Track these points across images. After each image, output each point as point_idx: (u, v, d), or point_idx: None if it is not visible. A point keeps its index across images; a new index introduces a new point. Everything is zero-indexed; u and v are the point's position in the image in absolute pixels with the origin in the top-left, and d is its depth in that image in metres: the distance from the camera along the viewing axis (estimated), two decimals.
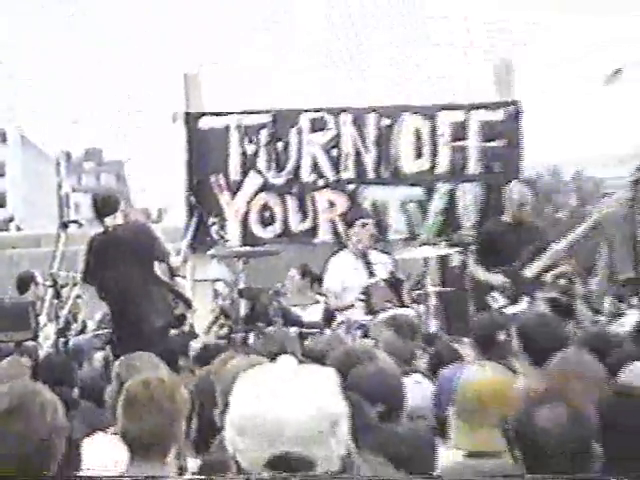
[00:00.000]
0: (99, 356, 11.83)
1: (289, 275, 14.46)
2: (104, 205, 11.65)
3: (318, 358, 7.06)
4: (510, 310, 11.43)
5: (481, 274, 11.99)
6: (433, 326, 12.36)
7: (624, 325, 10.50)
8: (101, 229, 11.56)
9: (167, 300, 11.61)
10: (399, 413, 5.41)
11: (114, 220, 11.51)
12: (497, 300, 11.68)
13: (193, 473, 4.44)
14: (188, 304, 12.33)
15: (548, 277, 12.04)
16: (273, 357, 4.05)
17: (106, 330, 12.59)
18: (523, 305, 11.55)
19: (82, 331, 14.04)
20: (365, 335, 10.48)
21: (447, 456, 5.24)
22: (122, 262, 11.15)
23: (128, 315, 11.04)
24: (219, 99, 15.09)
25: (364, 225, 12.89)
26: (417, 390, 5.95)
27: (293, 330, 12.91)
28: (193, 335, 11.83)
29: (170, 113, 14.54)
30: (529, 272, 11.73)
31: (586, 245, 12.85)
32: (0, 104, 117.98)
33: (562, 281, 12.45)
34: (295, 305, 13.74)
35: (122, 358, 7.25)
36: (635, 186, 11.51)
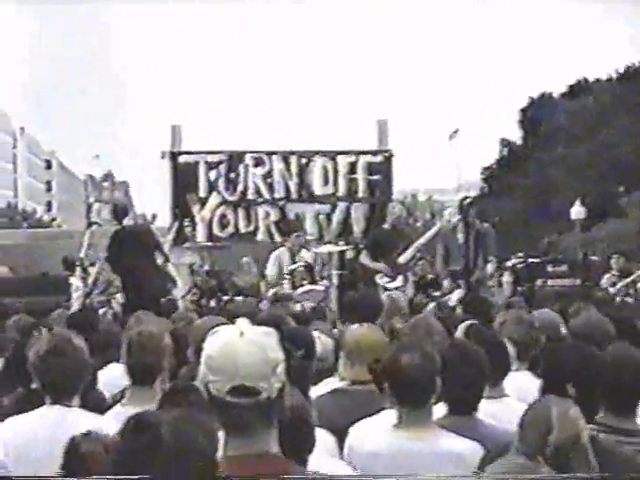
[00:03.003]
0: (110, 312, 11.70)
1: (244, 260, 14.50)
2: (120, 212, 11.60)
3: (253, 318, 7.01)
4: (390, 285, 11.51)
5: (370, 263, 11.99)
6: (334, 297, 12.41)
7: (452, 299, 10.60)
8: (119, 227, 11.44)
9: (160, 277, 11.49)
10: (312, 355, 5.41)
11: (127, 221, 11.43)
12: (382, 279, 11.71)
13: (165, 392, 4.36)
14: (173, 281, 12.22)
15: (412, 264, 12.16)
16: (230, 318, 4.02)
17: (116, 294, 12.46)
18: (399, 282, 11.64)
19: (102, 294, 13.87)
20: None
21: (336, 383, 5.26)
22: (132, 249, 11.04)
23: (135, 285, 10.93)
24: (193, 142, 15.00)
25: (298, 236, 12.88)
26: (318, 342, 5.91)
27: (240, 298, 12.91)
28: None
29: (160, 152, 14.43)
30: (402, 260, 11.78)
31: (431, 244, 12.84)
32: (47, 146, 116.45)
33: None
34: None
35: (135, 315, 7.16)
36: (461, 210, 11.67)
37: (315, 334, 6.09)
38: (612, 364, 4.20)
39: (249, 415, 2.78)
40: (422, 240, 12.13)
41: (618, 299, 14.04)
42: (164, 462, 2.41)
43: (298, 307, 9.26)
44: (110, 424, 3.64)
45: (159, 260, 11.32)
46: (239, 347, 2.81)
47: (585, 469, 2.94)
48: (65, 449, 3.14)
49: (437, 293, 12.09)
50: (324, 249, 13.51)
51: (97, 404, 4.89)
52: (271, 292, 12.26)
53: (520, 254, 19.77)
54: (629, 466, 3.61)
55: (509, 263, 16.73)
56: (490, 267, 12.74)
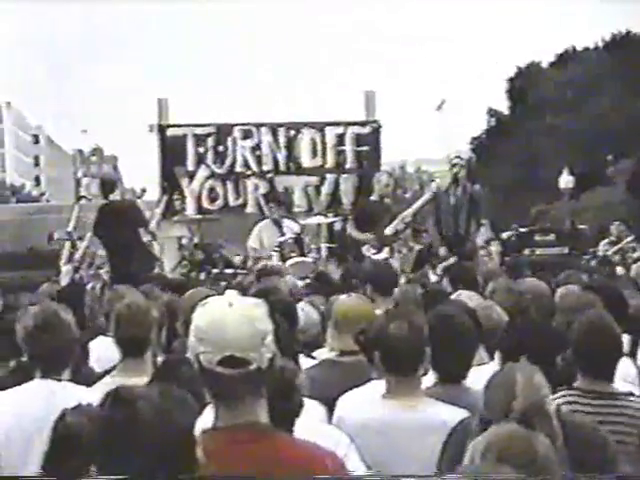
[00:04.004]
0: (97, 286, 11.66)
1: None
2: (108, 186, 11.54)
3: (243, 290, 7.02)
4: (377, 257, 11.48)
5: (357, 234, 11.96)
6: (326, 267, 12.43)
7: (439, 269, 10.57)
8: (105, 202, 11.40)
9: (145, 253, 11.46)
10: (294, 325, 5.46)
11: (115, 196, 11.39)
12: (369, 250, 11.69)
13: (158, 366, 4.38)
14: (156, 259, 12.17)
15: (405, 235, 12.15)
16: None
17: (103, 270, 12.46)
18: (385, 253, 11.61)
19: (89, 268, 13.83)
20: None
21: (326, 354, 5.32)
22: (118, 225, 11.02)
23: (120, 261, 10.93)
24: (181, 115, 14.97)
25: (271, 208, 12.91)
26: (302, 313, 5.93)
27: (229, 271, 12.93)
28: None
29: (148, 125, 14.38)
30: (388, 231, 11.75)
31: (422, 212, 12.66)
32: (34, 120, 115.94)
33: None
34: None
35: (113, 288, 7.19)
36: (452, 169, 11.54)
37: (300, 305, 6.12)
38: (585, 331, 4.29)
39: (239, 386, 2.81)
40: (409, 211, 12.07)
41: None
42: (141, 436, 2.43)
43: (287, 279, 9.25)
44: (99, 396, 3.66)
45: (145, 238, 11.29)
46: (228, 318, 2.82)
47: (548, 432, 2.96)
48: (54, 422, 3.15)
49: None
50: (313, 221, 13.54)
51: (88, 378, 4.91)
52: (260, 265, 12.26)
53: (514, 226, 19.77)
54: (590, 436, 3.68)
55: (504, 235, 16.77)
56: (484, 232, 12.70)
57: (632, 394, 4.38)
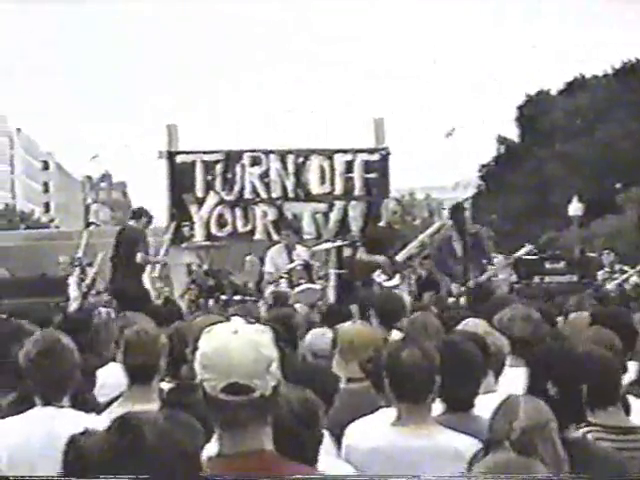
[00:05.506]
0: (104, 311, 11.70)
1: (248, 259, 14.56)
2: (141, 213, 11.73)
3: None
4: (388, 284, 11.46)
5: (367, 257, 11.92)
6: (332, 295, 12.43)
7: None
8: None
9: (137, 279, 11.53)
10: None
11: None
12: (380, 276, 11.65)
13: (166, 392, 4.36)
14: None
15: (415, 263, 12.16)
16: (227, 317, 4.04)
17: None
18: (396, 280, 11.58)
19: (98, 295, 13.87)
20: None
21: None
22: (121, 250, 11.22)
23: (127, 288, 11.03)
24: (190, 142, 14.99)
25: (287, 235, 12.98)
26: (323, 339, 5.90)
27: (238, 297, 12.93)
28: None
29: (157, 152, 14.41)
30: (399, 258, 11.72)
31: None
32: (45, 146, 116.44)
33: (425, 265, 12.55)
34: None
35: (122, 315, 7.19)
36: (454, 211, 11.64)
37: (321, 332, 6.11)
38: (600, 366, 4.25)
39: (243, 413, 2.78)
40: (420, 238, 12.09)
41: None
42: (147, 462, 2.40)
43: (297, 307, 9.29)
44: (106, 423, 3.64)
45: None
46: (233, 345, 2.80)
47: (552, 457, 2.94)
48: (64, 448, 3.12)
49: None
50: (321, 246, 13.55)
51: (91, 405, 4.89)
52: (268, 291, 12.27)
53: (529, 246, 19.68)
54: (608, 463, 3.64)
55: (519, 253, 16.76)
56: (501, 260, 12.72)
57: None
